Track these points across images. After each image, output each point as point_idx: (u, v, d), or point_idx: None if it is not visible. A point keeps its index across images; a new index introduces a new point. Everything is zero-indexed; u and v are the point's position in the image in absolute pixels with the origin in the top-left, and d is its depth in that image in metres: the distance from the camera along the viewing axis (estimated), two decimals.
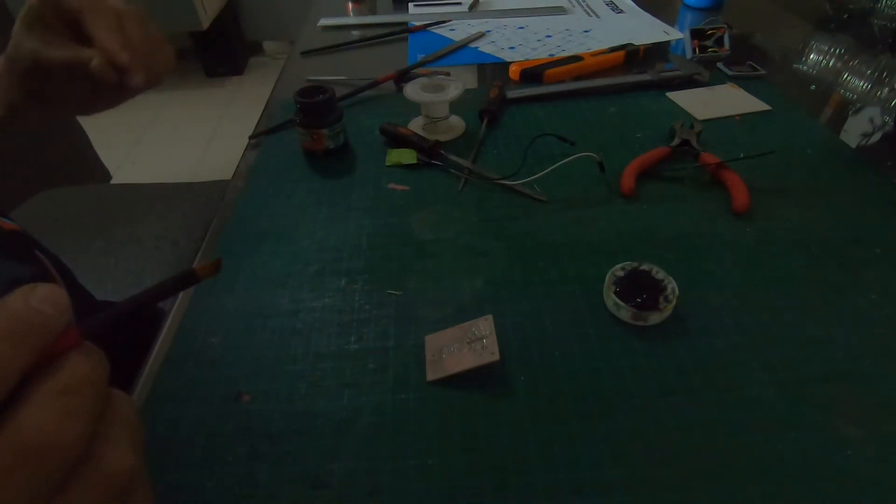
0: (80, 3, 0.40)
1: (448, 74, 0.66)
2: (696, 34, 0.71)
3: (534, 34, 0.81)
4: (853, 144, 0.54)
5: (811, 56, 0.74)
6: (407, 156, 0.53)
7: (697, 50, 0.71)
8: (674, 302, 0.36)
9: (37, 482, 0.17)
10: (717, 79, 0.65)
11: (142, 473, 0.20)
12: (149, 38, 0.43)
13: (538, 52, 0.75)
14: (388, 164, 0.53)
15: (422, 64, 0.73)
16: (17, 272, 0.43)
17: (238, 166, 0.55)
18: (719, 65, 0.68)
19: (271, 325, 0.38)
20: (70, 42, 0.41)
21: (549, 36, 0.80)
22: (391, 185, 0.51)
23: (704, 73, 0.65)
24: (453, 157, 0.53)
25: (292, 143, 0.57)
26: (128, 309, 0.22)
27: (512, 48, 0.77)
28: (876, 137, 0.56)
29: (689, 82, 0.65)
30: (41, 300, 0.19)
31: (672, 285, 0.37)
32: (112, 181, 1.06)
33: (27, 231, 0.48)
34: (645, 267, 0.38)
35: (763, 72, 0.66)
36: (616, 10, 0.88)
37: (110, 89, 0.40)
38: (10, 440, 0.16)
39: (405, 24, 0.86)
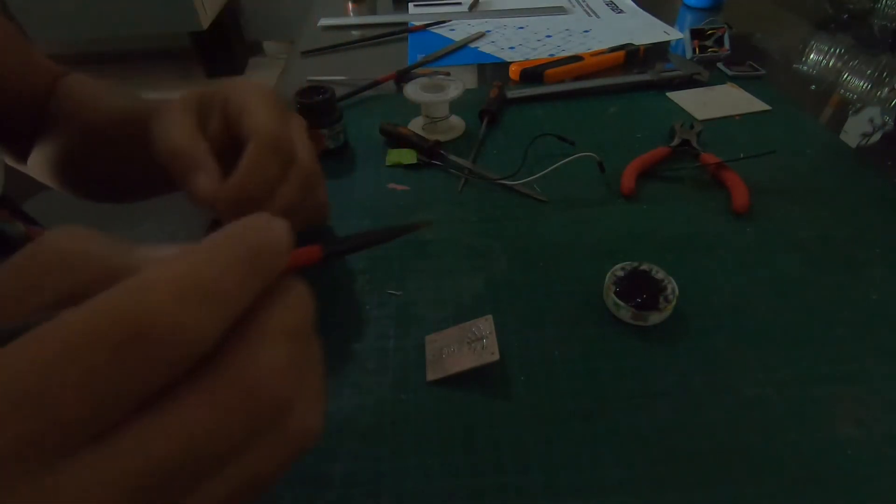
0: (248, 130, 0.33)
1: (448, 74, 0.66)
2: (696, 34, 0.71)
3: (534, 34, 0.81)
4: (853, 144, 0.54)
5: (811, 56, 0.74)
6: (407, 156, 0.53)
7: (697, 50, 0.71)
8: (674, 302, 0.36)
9: (244, 433, 0.15)
10: (717, 79, 0.65)
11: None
12: (301, 195, 0.35)
13: (538, 52, 0.75)
14: (388, 164, 0.53)
15: (422, 64, 0.73)
16: None
17: None
18: (719, 65, 0.68)
19: None
20: (217, 132, 0.35)
21: (549, 36, 0.80)
22: (391, 185, 0.51)
23: (704, 73, 0.65)
24: (453, 157, 0.53)
25: None
26: (370, 242, 0.22)
27: (512, 48, 0.77)
28: (876, 137, 0.56)
29: (689, 82, 0.65)
30: (270, 224, 0.17)
31: (672, 285, 0.37)
32: None
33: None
34: (645, 267, 0.38)
35: (763, 72, 0.66)
36: (616, 10, 0.88)
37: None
38: (234, 382, 0.15)
39: (405, 24, 0.86)
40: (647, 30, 0.79)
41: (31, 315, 0.15)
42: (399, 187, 0.50)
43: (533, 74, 0.68)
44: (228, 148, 0.35)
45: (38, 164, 0.50)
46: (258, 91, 0.35)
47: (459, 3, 0.95)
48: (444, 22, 0.87)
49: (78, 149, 0.46)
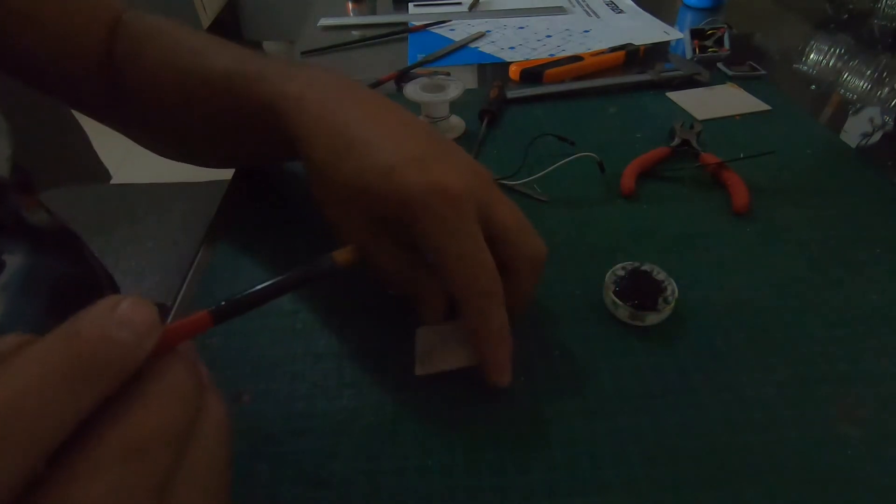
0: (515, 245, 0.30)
1: (448, 74, 0.66)
2: (696, 34, 0.71)
3: (534, 34, 0.81)
4: (853, 144, 0.54)
5: (811, 56, 0.74)
6: None
7: (697, 50, 0.71)
8: (672, 304, 0.36)
9: None
10: (717, 79, 0.65)
11: None
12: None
13: (538, 52, 0.75)
14: None
15: (422, 64, 0.73)
16: (68, 271, 0.39)
17: None
18: (719, 65, 0.68)
19: (271, 324, 0.38)
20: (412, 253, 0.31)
21: (549, 36, 0.80)
22: None
23: (704, 73, 0.65)
24: None
25: None
26: (257, 300, 0.20)
27: (512, 48, 0.77)
28: (876, 137, 0.56)
29: (689, 82, 0.65)
30: (121, 323, 0.14)
31: (672, 286, 0.37)
32: (112, 181, 1.06)
33: (73, 229, 0.44)
34: (646, 267, 0.38)
35: (763, 72, 0.66)
36: (616, 10, 0.88)
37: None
38: None
39: (405, 24, 0.86)
40: (647, 30, 0.79)
41: None
42: None
43: (533, 74, 0.68)
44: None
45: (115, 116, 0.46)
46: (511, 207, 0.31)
47: (459, 3, 0.95)
48: (444, 22, 0.86)
49: (168, 100, 0.42)
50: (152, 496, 0.14)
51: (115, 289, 0.49)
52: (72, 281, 0.39)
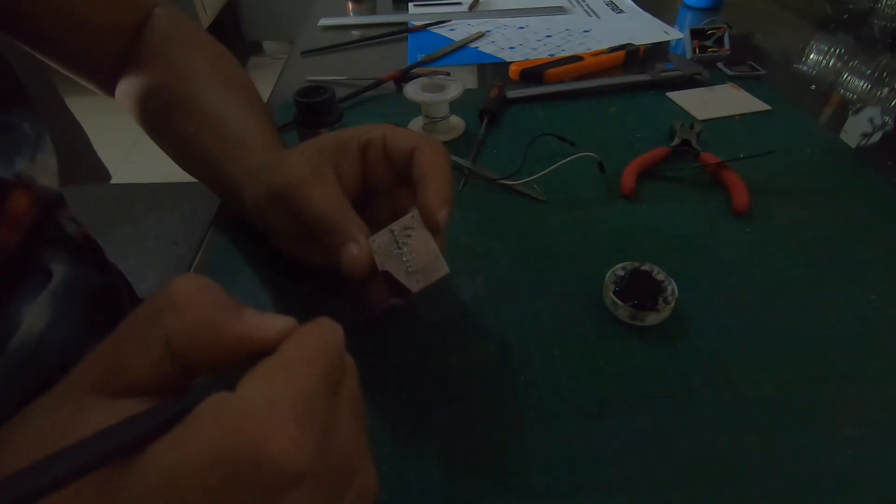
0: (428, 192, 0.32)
1: (448, 74, 0.66)
2: (696, 34, 0.71)
3: (534, 34, 0.81)
4: (853, 144, 0.54)
5: (811, 56, 0.74)
6: None
7: (697, 50, 0.71)
8: (672, 304, 0.36)
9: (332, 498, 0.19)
10: (718, 79, 0.65)
11: None
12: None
13: (538, 52, 0.75)
14: None
15: (422, 64, 0.73)
16: (97, 281, 0.41)
17: None
18: (719, 65, 0.68)
19: None
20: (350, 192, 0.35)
21: (549, 36, 0.80)
22: None
23: (704, 73, 0.65)
24: (453, 157, 0.53)
25: (292, 144, 0.57)
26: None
27: (512, 48, 0.77)
28: (876, 137, 0.56)
29: (689, 82, 0.65)
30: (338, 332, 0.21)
31: (672, 286, 0.37)
32: (112, 181, 1.06)
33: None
34: (646, 267, 0.38)
35: (763, 72, 0.66)
36: (616, 10, 0.88)
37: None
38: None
39: (405, 24, 0.86)
40: (647, 30, 0.79)
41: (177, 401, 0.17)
42: None
43: (533, 74, 0.68)
44: (362, 188, 0.36)
45: (126, 101, 0.49)
46: (417, 133, 0.36)
47: (459, 3, 0.95)
48: (444, 22, 0.86)
49: (165, 106, 0.45)
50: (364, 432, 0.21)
51: (132, 294, 0.50)
52: (100, 289, 0.41)
